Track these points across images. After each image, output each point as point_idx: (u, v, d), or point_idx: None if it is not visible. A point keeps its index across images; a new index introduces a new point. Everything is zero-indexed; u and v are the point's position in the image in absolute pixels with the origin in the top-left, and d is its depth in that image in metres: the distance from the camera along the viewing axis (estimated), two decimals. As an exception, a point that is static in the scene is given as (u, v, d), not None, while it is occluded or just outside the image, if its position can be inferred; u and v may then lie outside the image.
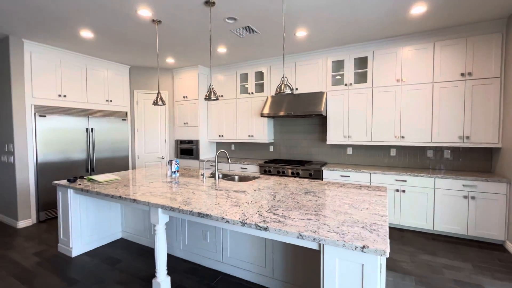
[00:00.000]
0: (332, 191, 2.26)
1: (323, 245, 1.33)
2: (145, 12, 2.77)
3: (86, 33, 3.33)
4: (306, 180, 2.76)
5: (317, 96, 3.99)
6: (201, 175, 3.14)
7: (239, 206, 1.85)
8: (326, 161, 4.34)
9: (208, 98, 2.70)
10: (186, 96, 5.09)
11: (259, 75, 4.76)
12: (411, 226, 3.36)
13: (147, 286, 2.21)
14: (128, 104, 5.00)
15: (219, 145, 5.47)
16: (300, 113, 3.89)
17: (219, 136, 5.07)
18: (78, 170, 4.18)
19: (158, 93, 3.11)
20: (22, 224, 3.58)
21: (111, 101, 4.68)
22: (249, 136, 4.72)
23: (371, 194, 2.17)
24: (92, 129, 4.34)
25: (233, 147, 5.30)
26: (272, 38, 3.54)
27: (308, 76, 4.15)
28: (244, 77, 4.88)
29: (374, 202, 1.93)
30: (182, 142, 5.17)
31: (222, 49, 4.01)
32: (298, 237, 1.37)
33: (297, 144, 4.59)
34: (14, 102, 3.47)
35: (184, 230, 2.67)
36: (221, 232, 2.44)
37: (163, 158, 5.24)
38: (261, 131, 4.60)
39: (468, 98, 3.18)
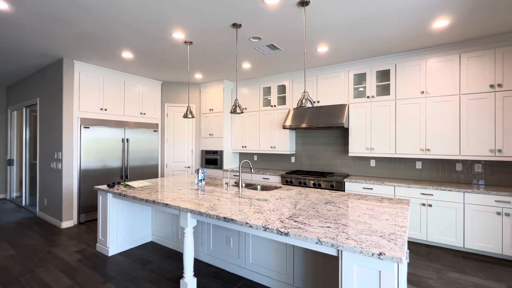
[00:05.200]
0: (353, 202, 2.30)
1: (341, 251, 1.40)
2: (179, 35, 3.08)
3: (127, 54, 3.73)
4: (327, 191, 2.82)
5: (339, 109, 4.05)
6: (226, 183, 3.31)
7: (262, 213, 1.97)
8: (348, 173, 4.33)
9: (233, 111, 2.90)
10: (212, 109, 5.38)
11: (282, 89, 4.93)
12: (439, 243, 3.23)
13: (175, 286, 2.37)
14: (159, 116, 5.40)
15: (242, 155, 5.66)
16: (322, 125, 3.97)
17: (242, 147, 5.26)
18: (114, 177, 4.56)
19: (188, 107, 3.38)
20: (65, 224, 3.97)
21: (144, 113, 5.10)
22: (271, 147, 4.85)
23: (392, 206, 2.18)
24: (127, 139, 4.74)
25: (255, 157, 5.45)
26: (294, 54, 3.71)
27: (330, 89, 4.24)
28: (267, 91, 5.08)
29: (395, 213, 1.95)
30: (207, 152, 5.43)
31: (246, 65, 4.25)
32: (317, 243, 1.46)
33: (319, 155, 4.63)
34: (65, 115, 3.94)
35: (209, 236, 2.83)
36: (244, 238, 2.56)
37: (189, 168, 5.52)
38: (283, 143, 4.71)
39: (499, 110, 3.07)
